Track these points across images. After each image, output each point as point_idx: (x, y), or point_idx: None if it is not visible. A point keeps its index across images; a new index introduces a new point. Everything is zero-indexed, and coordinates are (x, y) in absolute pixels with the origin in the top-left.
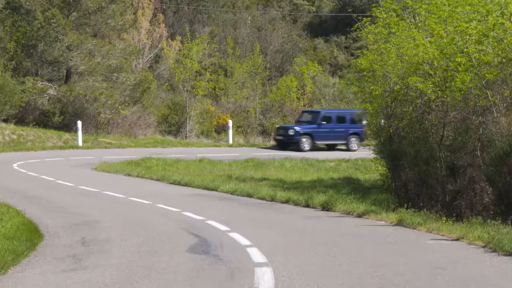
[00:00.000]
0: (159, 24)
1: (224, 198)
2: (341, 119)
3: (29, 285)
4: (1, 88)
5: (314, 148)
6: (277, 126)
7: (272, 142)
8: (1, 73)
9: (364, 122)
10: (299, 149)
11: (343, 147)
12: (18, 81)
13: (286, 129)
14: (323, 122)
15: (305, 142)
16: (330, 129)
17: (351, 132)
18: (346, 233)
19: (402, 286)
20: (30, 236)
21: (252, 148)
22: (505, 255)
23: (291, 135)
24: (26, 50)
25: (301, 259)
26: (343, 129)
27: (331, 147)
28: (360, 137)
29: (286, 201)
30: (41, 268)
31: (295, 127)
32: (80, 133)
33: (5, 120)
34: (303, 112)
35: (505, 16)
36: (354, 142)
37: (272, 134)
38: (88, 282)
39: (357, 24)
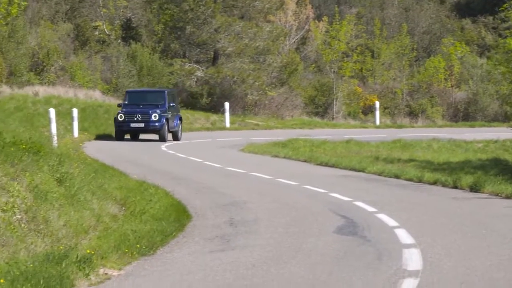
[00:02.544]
0: (306, 5)
1: (371, 179)
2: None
3: (177, 266)
4: (149, 70)
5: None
6: (122, 112)
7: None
8: (149, 55)
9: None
10: (163, 138)
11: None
12: (166, 63)
13: (146, 114)
14: (171, 105)
15: (166, 130)
16: (172, 113)
17: (179, 116)
18: (495, 214)
19: None
20: (178, 216)
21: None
22: None
23: (154, 121)
24: (174, 32)
25: (449, 240)
26: (176, 113)
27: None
28: (181, 122)
29: (434, 182)
30: (189, 249)
31: (157, 111)
32: (227, 114)
33: None
34: (129, 92)
35: None
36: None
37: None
38: (236, 262)
39: (505, 4)
